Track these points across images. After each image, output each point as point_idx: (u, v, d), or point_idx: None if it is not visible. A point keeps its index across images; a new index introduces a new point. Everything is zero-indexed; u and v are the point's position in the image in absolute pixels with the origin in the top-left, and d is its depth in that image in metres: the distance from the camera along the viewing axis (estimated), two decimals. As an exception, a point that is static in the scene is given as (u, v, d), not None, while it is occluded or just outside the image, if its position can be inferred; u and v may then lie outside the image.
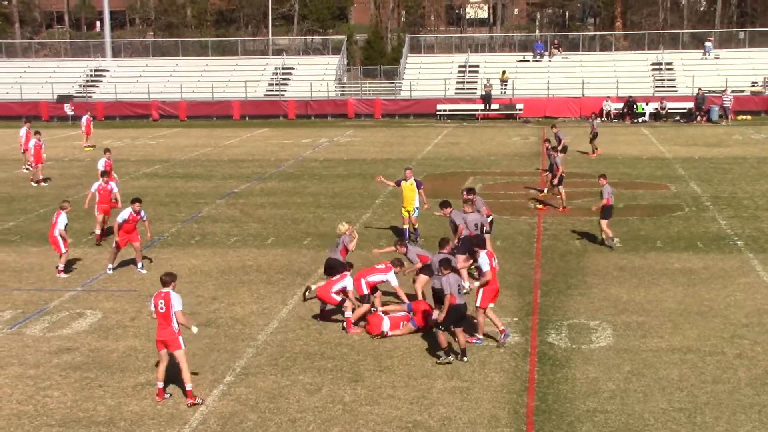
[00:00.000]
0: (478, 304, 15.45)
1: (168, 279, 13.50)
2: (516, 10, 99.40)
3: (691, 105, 54.39)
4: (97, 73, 65.33)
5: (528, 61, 63.43)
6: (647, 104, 54.98)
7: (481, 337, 15.63)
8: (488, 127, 52.51)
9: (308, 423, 12.62)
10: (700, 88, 54.57)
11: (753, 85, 57.87)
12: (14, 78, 64.08)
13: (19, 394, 13.82)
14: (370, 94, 62.20)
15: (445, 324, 14.70)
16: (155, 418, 12.84)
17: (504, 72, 59.33)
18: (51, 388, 14.02)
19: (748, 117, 54.37)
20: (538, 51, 63.54)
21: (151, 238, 22.23)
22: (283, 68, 64.31)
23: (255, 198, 30.03)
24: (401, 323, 16.17)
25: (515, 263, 20.80)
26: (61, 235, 20.32)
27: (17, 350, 15.71)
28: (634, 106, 54.66)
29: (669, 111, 54.68)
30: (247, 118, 59.07)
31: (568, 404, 13.10)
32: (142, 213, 20.56)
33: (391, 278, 16.79)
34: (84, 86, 63.75)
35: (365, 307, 16.52)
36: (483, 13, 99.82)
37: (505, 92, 58.53)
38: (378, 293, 16.99)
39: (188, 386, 13.22)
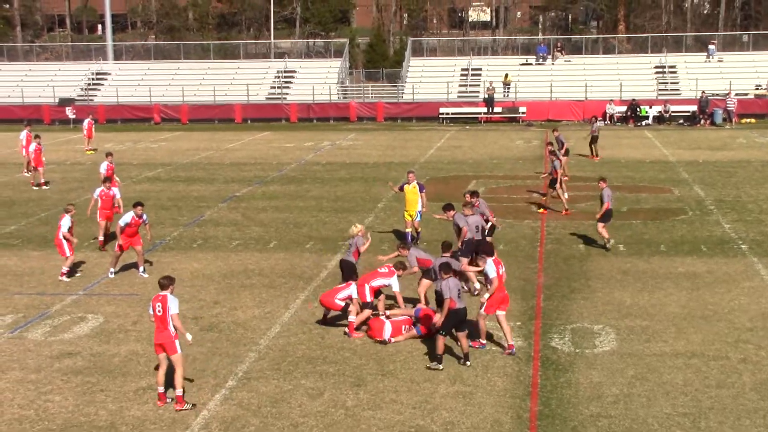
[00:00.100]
0: (482, 311, 15.33)
1: (166, 282, 13.47)
2: (519, 13, 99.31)
3: (694, 108, 54.28)
4: (98, 77, 65.38)
5: (531, 64, 63.46)
6: (650, 107, 54.94)
7: (484, 341, 15.56)
8: (491, 131, 52.48)
9: (310, 428, 12.56)
10: (703, 91, 54.48)
11: (757, 88, 57.77)
12: (16, 81, 64.18)
13: (21, 398, 13.77)
14: (372, 97, 62.16)
15: (444, 328, 14.61)
16: (157, 423, 12.78)
17: (507, 75, 59.30)
18: (52, 392, 13.96)
19: (752, 120, 54.31)
20: (541, 54, 63.50)
21: (151, 240, 22.19)
22: (285, 71, 64.27)
23: (257, 201, 29.98)
24: (403, 327, 16.11)
25: (518, 267, 20.72)
26: (65, 238, 20.28)
27: (18, 354, 15.67)
28: (638, 110, 54.60)
29: (672, 114, 54.60)
30: (249, 122, 59.02)
31: (572, 409, 13.03)
32: (144, 216, 20.52)
33: (394, 283, 16.75)
34: (85, 89, 63.81)
35: (366, 312, 16.48)
36: (485, 16, 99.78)
37: (507, 95, 58.47)
38: (382, 296, 16.95)
39: (178, 391, 13.17)
